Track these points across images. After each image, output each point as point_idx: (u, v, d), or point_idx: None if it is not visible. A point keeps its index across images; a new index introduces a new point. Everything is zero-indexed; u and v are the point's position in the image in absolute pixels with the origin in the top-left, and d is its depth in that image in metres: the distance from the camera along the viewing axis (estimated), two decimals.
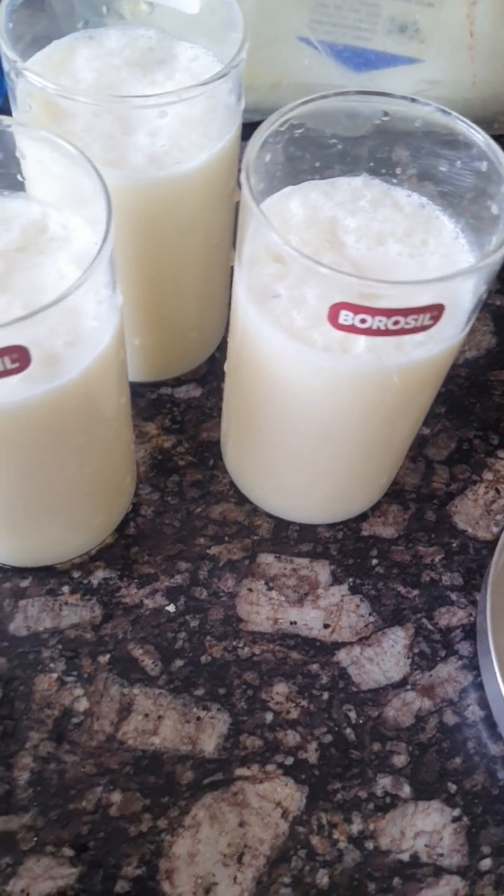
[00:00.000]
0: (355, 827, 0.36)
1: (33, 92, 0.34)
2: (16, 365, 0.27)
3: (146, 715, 0.38)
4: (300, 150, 0.35)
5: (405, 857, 0.35)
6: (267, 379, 0.34)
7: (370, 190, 0.36)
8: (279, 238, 0.28)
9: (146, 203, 0.36)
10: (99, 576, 0.42)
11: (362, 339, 0.31)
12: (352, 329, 0.29)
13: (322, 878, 0.35)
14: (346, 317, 0.28)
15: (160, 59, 0.39)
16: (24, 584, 0.41)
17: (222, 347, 0.51)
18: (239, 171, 0.31)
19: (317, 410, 0.34)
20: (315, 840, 0.36)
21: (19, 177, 0.33)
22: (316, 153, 0.35)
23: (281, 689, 0.39)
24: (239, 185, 0.30)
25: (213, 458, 0.46)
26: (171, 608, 0.41)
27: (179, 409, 0.48)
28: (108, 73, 0.38)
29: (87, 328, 0.31)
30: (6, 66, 0.34)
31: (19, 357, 0.27)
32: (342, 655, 0.40)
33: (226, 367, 0.41)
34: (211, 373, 0.50)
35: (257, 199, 0.29)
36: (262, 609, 0.41)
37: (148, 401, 0.48)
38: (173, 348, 0.46)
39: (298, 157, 0.35)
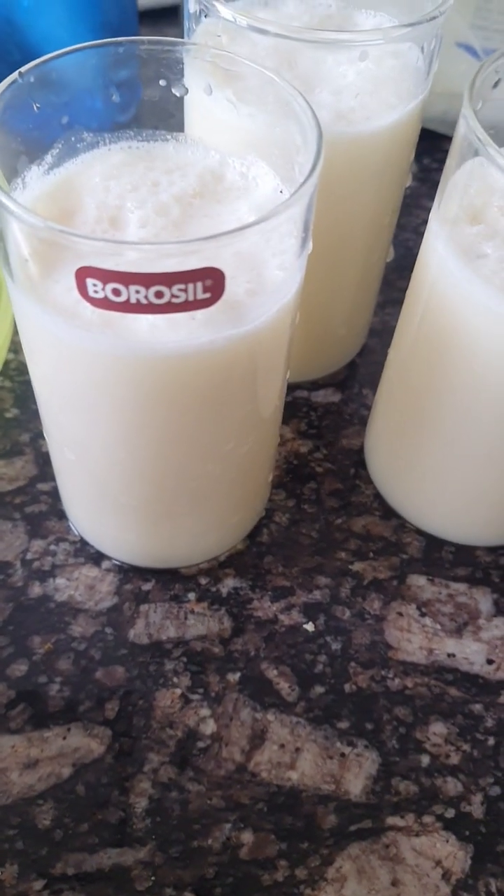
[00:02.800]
0: None
1: (219, 34, 0.31)
2: (207, 295, 0.23)
3: (282, 746, 0.33)
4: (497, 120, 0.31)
5: None
6: (460, 351, 0.30)
7: None
8: None
9: (326, 165, 0.33)
10: (228, 584, 0.37)
11: None
12: None
13: None
14: None
15: (339, 26, 0.37)
16: (147, 587, 0.37)
17: (363, 354, 0.47)
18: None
19: None
20: None
21: (200, 118, 0.30)
22: None
23: (438, 728, 0.34)
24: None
25: (355, 467, 0.42)
26: (309, 627, 0.36)
27: (317, 414, 0.44)
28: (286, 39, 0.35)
29: (271, 277, 0.27)
30: (192, 7, 0.31)
31: (213, 286, 0.23)
32: None
33: (391, 357, 0.37)
34: (351, 378, 0.46)
35: (487, 130, 0.25)
36: (414, 637, 0.36)
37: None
38: (319, 345, 0.43)
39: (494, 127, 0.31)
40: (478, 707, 0.34)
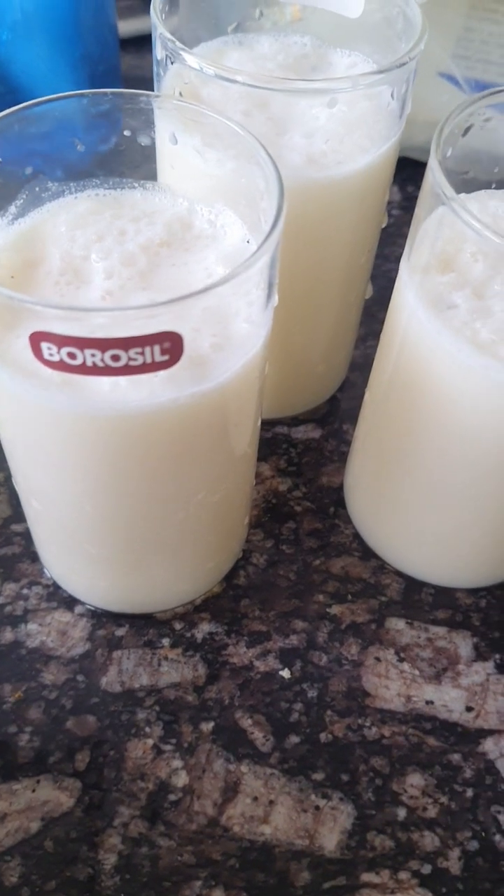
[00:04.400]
0: None
1: (187, 79, 0.31)
2: (165, 357, 0.23)
3: (255, 798, 0.32)
4: (475, 153, 0.31)
5: None
6: (431, 401, 0.29)
7: None
8: (479, 224, 0.24)
9: (297, 209, 0.32)
10: (204, 629, 0.37)
11: None
12: None
13: None
14: None
15: (314, 66, 0.36)
16: (120, 632, 0.36)
17: (344, 388, 0.46)
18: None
19: (490, 440, 0.29)
20: None
21: (169, 166, 0.30)
22: (495, 158, 0.31)
23: (415, 780, 0.33)
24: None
25: (334, 506, 0.41)
26: (285, 673, 0.35)
27: (296, 451, 0.43)
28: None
29: (237, 331, 0.27)
30: (159, 54, 0.31)
31: (172, 348, 0.23)
32: (489, 745, 0.34)
33: (367, 398, 0.36)
34: (332, 413, 0.45)
35: (453, 184, 0.25)
36: (392, 683, 0.35)
37: (262, 439, 0.43)
38: (297, 382, 0.42)
39: (473, 161, 0.31)
40: (456, 757, 0.34)
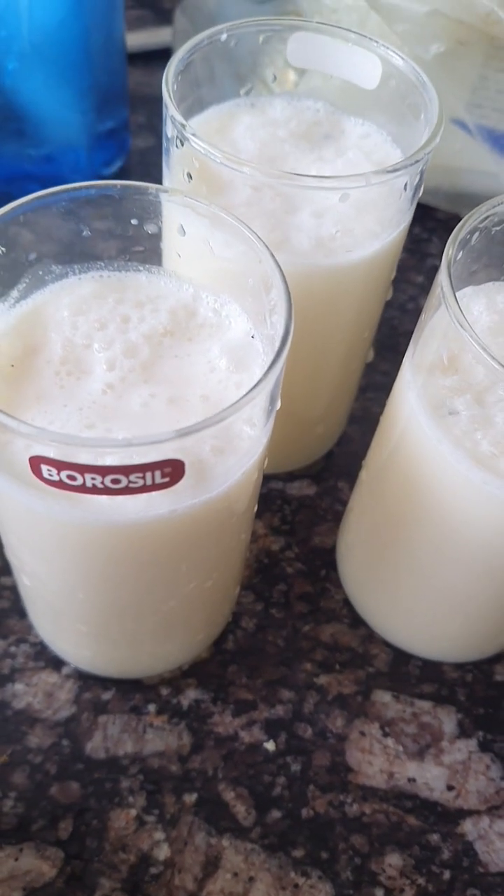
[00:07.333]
0: None
1: (196, 160, 0.30)
2: (166, 480, 0.23)
3: (235, 874, 0.33)
4: (491, 246, 0.30)
5: None
6: (425, 502, 0.29)
7: None
8: (477, 343, 0.24)
9: (303, 291, 0.32)
10: (190, 696, 0.37)
11: None
12: None
13: None
14: None
15: (326, 134, 0.36)
16: (106, 696, 0.36)
17: (341, 443, 0.46)
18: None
19: (485, 548, 0.29)
20: None
21: (176, 254, 0.29)
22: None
23: (394, 860, 0.33)
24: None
25: (326, 569, 0.41)
26: (269, 746, 0.36)
27: (290, 508, 0.43)
28: (271, 145, 0.34)
29: (238, 434, 0.26)
30: (170, 132, 0.31)
31: (173, 472, 0.23)
32: (468, 826, 0.34)
33: (363, 475, 0.36)
34: (327, 470, 0.45)
35: (462, 277, 0.25)
36: (375, 759, 0.36)
37: None
38: (295, 442, 0.42)
39: (486, 254, 0.31)
40: (435, 837, 0.34)
